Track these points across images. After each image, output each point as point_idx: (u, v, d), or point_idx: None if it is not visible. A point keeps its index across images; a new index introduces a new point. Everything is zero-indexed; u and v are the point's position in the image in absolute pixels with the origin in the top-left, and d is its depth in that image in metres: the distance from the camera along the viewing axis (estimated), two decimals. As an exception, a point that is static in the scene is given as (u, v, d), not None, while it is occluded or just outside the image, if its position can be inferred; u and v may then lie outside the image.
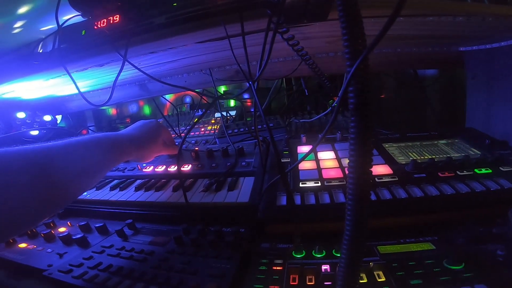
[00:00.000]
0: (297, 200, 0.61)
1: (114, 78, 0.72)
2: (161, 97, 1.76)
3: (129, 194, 0.75)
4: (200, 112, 1.64)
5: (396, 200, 0.57)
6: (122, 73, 0.80)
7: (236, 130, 1.11)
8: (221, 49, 0.75)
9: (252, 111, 1.60)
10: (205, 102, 1.32)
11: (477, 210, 0.55)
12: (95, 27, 0.62)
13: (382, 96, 1.79)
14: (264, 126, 1.13)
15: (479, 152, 0.71)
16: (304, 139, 0.89)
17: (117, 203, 0.73)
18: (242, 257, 0.51)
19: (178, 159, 0.64)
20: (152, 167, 0.87)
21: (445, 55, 0.96)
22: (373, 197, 0.58)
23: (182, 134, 1.33)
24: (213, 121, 1.44)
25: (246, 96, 1.78)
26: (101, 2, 0.60)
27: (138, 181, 0.82)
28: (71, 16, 0.67)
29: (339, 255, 0.50)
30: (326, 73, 1.54)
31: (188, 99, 1.91)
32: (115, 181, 0.84)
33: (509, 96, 0.75)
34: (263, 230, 0.59)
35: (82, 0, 0.61)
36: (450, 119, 1.31)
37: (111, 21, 0.60)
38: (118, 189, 0.79)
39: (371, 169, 0.30)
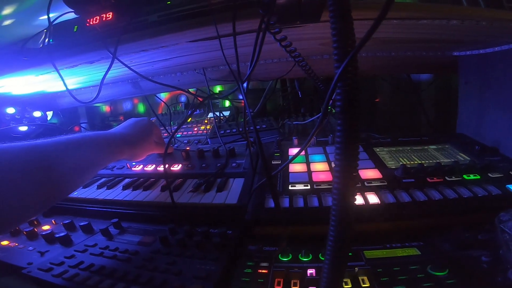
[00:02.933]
0: (286, 203, 0.61)
1: (109, 75, 0.72)
2: (156, 96, 1.75)
3: (116, 193, 0.74)
4: (194, 112, 1.64)
5: (384, 204, 0.57)
6: (114, 71, 0.80)
7: (228, 131, 1.11)
8: (215, 48, 0.74)
9: (248, 112, 1.60)
10: (200, 101, 1.32)
11: (465, 216, 0.55)
12: (87, 24, 0.62)
13: (377, 100, 1.79)
14: (257, 127, 1.14)
15: (468, 158, 0.71)
16: (295, 141, 0.88)
17: (103, 202, 0.72)
18: (228, 259, 0.51)
19: (164, 159, 0.63)
20: (141, 166, 0.86)
21: (440, 60, 0.96)
22: (361, 201, 0.58)
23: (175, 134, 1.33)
24: (206, 121, 1.44)
25: (241, 97, 1.77)
26: (95, 0, 0.60)
27: (127, 180, 0.81)
28: (64, 13, 0.67)
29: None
30: (322, 76, 1.54)
31: (183, 98, 1.90)
32: (103, 179, 0.83)
33: (501, 102, 0.75)
34: (251, 232, 0.59)
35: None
36: (443, 124, 1.31)
37: (104, 18, 0.60)
38: (105, 188, 0.78)
39: (356, 174, 0.29)
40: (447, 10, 0.47)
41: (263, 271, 0.47)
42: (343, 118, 0.29)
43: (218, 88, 1.98)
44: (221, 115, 1.38)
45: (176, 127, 1.40)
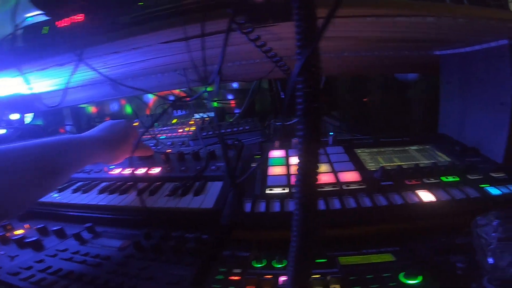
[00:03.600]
0: (262, 207, 0.59)
1: (83, 77, 0.70)
2: (144, 96, 1.73)
3: (92, 197, 0.73)
4: (180, 113, 1.61)
5: (361, 208, 0.56)
6: (91, 72, 0.78)
7: (211, 132, 1.09)
8: (193, 49, 0.73)
9: (236, 112, 1.58)
10: (188, 100, 1.30)
11: (443, 219, 0.54)
12: (58, 26, 0.60)
13: (365, 99, 1.79)
14: (240, 128, 1.12)
15: (448, 159, 0.71)
16: (277, 143, 0.87)
17: (77, 206, 0.70)
18: (202, 264, 0.50)
19: (130, 161, 0.61)
20: (119, 169, 0.84)
21: (423, 59, 0.95)
22: (338, 206, 0.57)
23: (159, 135, 1.30)
24: (192, 122, 1.42)
25: (230, 97, 1.76)
26: (65, 1, 0.59)
27: (103, 184, 0.79)
28: (33, 14, 0.65)
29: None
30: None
31: (171, 98, 1.88)
32: (79, 183, 0.81)
33: (482, 102, 0.75)
34: (228, 237, 0.57)
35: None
36: (429, 124, 1.31)
37: (74, 20, 0.58)
38: (80, 192, 0.76)
39: (318, 178, 0.28)
40: (419, 7, 0.46)
41: (235, 277, 0.46)
42: (304, 121, 0.28)
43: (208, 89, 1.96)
44: (206, 116, 1.36)
45: (162, 128, 1.38)
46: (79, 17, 0.58)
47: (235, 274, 0.47)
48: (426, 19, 0.50)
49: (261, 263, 0.49)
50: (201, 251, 0.53)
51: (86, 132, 0.70)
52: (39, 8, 0.62)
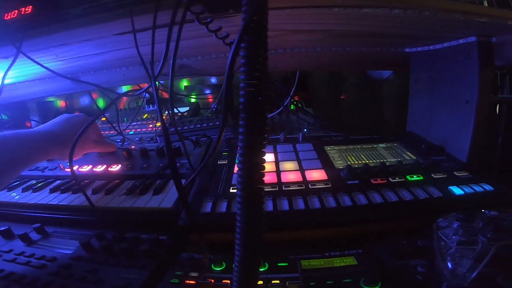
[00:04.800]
0: (223, 207, 0.57)
1: (40, 70, 0.66)
2: (118, 90, 1.65)
3: (42, 196, 0.68)
4: (152, 107, 1.56)
5: (325, 209, 0.54)
6: (49, 65, 0.74)
7: (179, 128, 1.05)
8: (156, 42, 0.69)
9: (213, 107, 1.54)
10: (167, 97, 1.25)
11: (406, 220, 0.53)
12: (5, 18, 0.56)
13: (342, 97, 1.79)
14: (211, 124, 1.09)
15: (414, 157, 0.70)
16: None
17: (27, 206, 0.65)
18: (156, 267, 0.47)
19: (70, 158, 0.57)
20: (76, 166, 0.79)
21: (394, 57, 0.95)
22: (302, 206, 0.55)
23: (127, 131, 1.25)
24: (164, 117, 1.37)
25: (207, 91, 1.72)
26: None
27: (58, 182, 0.74)
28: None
29: (261, 269, 0.46)
30: (280, 71, 1.51)
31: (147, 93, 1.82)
32: (32, 182, 0.75)
33: (447, 100, 0.75)
34: (187, 238, 0.55)
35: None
36: (399, 122, 1.32)
37: (22, 12, 0.55)
38: (31, 191, 0.70)
39: (262, 179, 0.26)
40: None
41: (191, 281, 0.44)
42: (244, 118, 0.25)
43: (184, 83, 1.91)
44: (177, 111, 1.31)
45: (134, 123, 1.33)
46: (28, 9, 0.54)
47: (192, 278, 0.44)
48: (392, 11, 0.48)
49: (221, 266, 0.47)
50: (156, 253, 0.50)
51: (38, 127, 0.66)
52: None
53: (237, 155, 0.25)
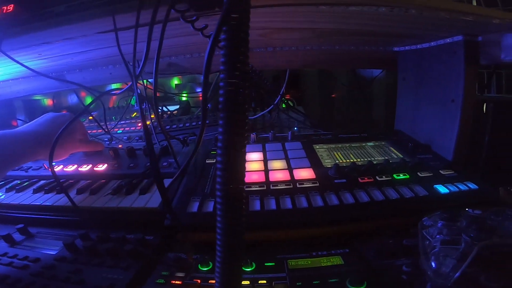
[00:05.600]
0: (210, 207, 0.56)
1: (23, 68, 0.64)
2: (107, 88, 1.63)
3: (26, 196, 0.66)
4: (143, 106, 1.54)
5: (312, 208, 0.54)
6: (32, 64, 0.72)
7: (168, 127, 1.04)
8: (140, 40, 0.68)
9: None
10: (158, 94, 1.23)
11: (392, 219, 0.53)
12: None
13: (333, 95, 1.80)
14: (199, 123, 1.08)
15: (401, 156, 0.71)
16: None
17: (10, 206, 0.64)
18: (142, 267, 0.46)
19: (50, 158, 0.56)
20: (61, 166, 0.78)
21: (383, 55, 0.95)
22: (289, 205, 0.55)
23: (116, 129, 1.24)
24: (152, 116, 1.35)
25: (199, 90, 1.71)
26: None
27: (42, 182, 0.72)
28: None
29: (248, 269, 0.46)
30: (271, 69, 1.51)
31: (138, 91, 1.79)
32: (15, 182, 0.74)
33: (433, 99, 0.75)
34: (173, 238, 0.54)
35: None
36: (389, 120, 1.33)
37: (4, 11, 0.53)
38: (14, 191, 0.69)
39: (242, 179, 0.26)
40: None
41: (177, 282, 0.43)
42: (224, 117, 0.24)
43: (175, 81, 1.90)
44: (166, 109, 1.30)
45: (121, 122, 1.31)
46: (9, 8, 0.53)
47: (178, 278, 0.44)
48: (379, 9, 0.48)
49: (208, 266, 0.46)
50: (142, 253, 0.49)
51: (23, 126, 0.65)
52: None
53: (217, 156, 0.24)
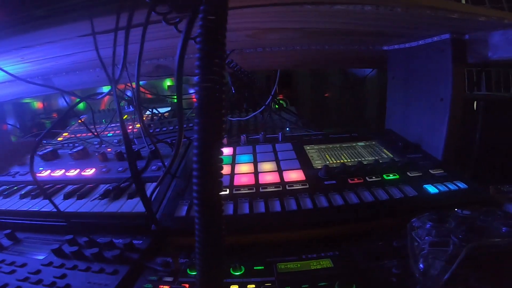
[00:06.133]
0: (197, 210, 0.55)
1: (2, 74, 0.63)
2: (98, 90, 1.61)
3: (13, 202, 0.66)
4: (132, 108, 1.52)
5: (301, 211, 0.53)
6: (15, 67, 0.71)
7: (158, 130, 1.03)
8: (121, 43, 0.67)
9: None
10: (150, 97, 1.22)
11: (382, 220, 0.53)
12: None
13: (327, 95, 1.80)
14: (190, 125, 1.07)
15: (391, 156, 0.70)
16: (225, 140, 0.83)
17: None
18: (129, 272, 0.46)
19: (31, 164, 0.54)
20: (48, 171, 0.76)
21: (372, 54, 0.95)
22: (278, 208, 0.54)
23: (106, 132, 1.22)
24: (143, 118, 1.34)
25: (192, 91, 1.69)
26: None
27: (28, 187, 0.71)
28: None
29: (237, 273, 0.45)
30: (263, 70, 1.50)
31: (129, 93, 1.78)
32: (3, 187, 0.73)
33: (423, 98, 0.75)
34: (161, 243, 0.53)
35: None
36: (381, 119, 1.33)
37: None
38: (1, 197, 0.68)
39: (219, 186, 0.25)
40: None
41: (165, 286, 0.43)
42: (198, 123, 0.24)
43: (168, 83, 1.88)
44: (157, 112, 1.29)
45: (111, 125, 1.29)
46: None
47: (166, 283, 0.44)
48: (364, 7, 0.48)
49: (196, 271, 0.46)
50: (129, 258, 0.49)
51: None
52: None
53: (193, 163, 0.23)
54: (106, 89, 1.67)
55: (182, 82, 0.27)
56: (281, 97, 1.51)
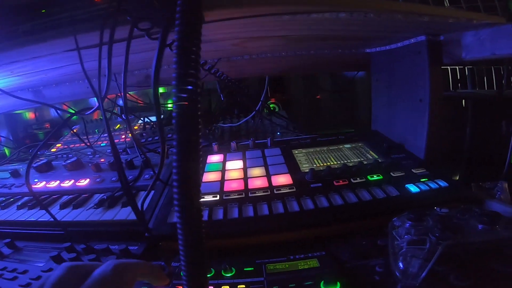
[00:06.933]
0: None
1: None
2: (90, 100, 1.62)
3: (11, 213, 0.68)
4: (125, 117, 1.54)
5: (288, 214, 0.55)
6: (5, 81, 0.72)
7: (150, 139, 1.04)
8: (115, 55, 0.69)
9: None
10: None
11: (367, 220, 0.54)
12: None
13: (318, 97, 1.82)
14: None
15: (376, 157, 0.72)
16: (215, 147, 0.85)
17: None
18: None
19: (27, 175, 0.56)
20: (43, 182, 0.78)
21: (357, 57, 0.97)
22: (266, 212, 0.56)
23: (99, 142, 1.23)
24: (136, 128, 1.36)
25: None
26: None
27: (25, 198, 0.73)
28: None
29: (228, 274, 0.47)
30: (254, 77, 1.52)
31: (121, 102, 1.78)
32: (0, 199, 0.74)
33: (405, 99, 0.78)
34: (159, 247, 0.55)
35: None
36: (369, 121, 1.36)
37: None
38: (-1, 208, 0.70)
39: (198, 198, 0.27)
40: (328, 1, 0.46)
41: None
42: (178, 130, 0.26)
43: (160, 90, 1.89)
44: (149, 120, 1.30)
45: (104, 135, 1.30)
46: None
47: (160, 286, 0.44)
48: (339, 15, 0.50)
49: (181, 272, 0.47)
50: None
51: None
52: None
53: (173, 175, 0.25)
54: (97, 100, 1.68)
55: (158, 92, 0.29)
56: (273, 101, 1.53)
